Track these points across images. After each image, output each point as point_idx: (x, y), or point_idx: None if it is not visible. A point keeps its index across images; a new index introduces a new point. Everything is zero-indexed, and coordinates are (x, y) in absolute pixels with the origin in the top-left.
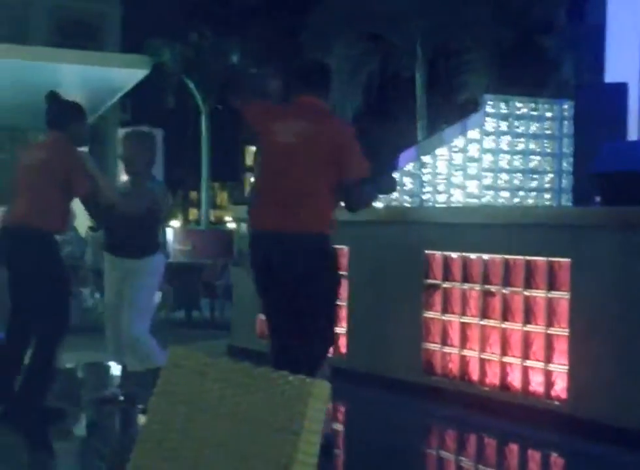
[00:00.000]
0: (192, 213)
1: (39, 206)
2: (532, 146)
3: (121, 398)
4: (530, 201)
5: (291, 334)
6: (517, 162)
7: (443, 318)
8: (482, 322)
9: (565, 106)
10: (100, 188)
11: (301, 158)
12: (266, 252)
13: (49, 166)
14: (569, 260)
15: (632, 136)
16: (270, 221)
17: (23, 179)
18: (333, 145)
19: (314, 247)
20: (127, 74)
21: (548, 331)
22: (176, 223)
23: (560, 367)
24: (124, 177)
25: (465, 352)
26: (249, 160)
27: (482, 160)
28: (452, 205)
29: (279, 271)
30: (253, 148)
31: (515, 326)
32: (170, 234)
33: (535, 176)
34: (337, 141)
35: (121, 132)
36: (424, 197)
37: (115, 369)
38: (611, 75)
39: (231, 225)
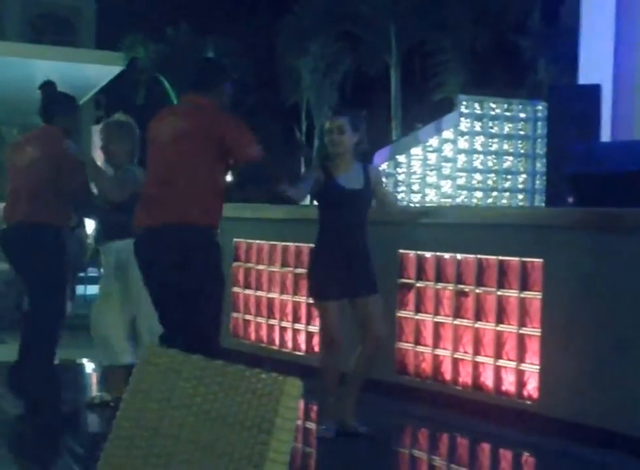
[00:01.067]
0: None
1: (39, 203)
2: (506, 147)
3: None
4: (504, 201)
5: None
6: (491, 162)
7: (417, 317)
8: (455, 322)
9: (539, 107)
10: (92, 177)
11: (173, 154)
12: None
13: (40, 164)
14: (542, 260)
15: (605, 137)
16: (143, 218)
17: (16, 179)
18: (211, 137)
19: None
20: (101, 70)
21: (521, 331)
22: None
23: (532, 367)
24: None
25: (439, 352)
26: None
27: (456, 160)
28: (427, 204)
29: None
30: None
31: (488, 326)
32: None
33: (508, 177)
34: (215, 133)
35: (96, 128)
36: (398, 196)
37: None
38: (585, 77)
39: None
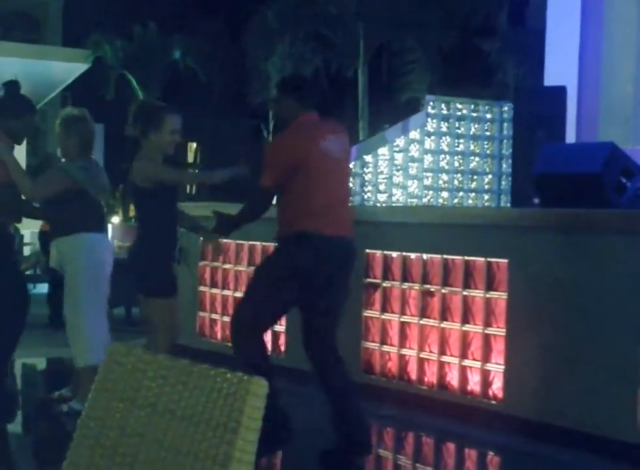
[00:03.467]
0: (132, 209)
1: None
2: (472, 147)
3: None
4: (470, 202)
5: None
6: (457, 162)
7: (383, 317)
8: (421, 322)
9: (505, 108)
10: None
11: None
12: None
13: None
14: (507, 260)
15: (570, 138)
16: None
17: None
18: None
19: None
20: (68, 67)
21: (486, 331)
22: (115, 219)
23: (497, 367)
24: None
25: (404, 351)
26: (190, 157)
27: (423, 161)
28: (393, 204)
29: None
30: (193, 144)
31: (453, 326)
32: (109, 230)
33: (474, 177)
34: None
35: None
36: (365, 196)
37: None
38: (550, 78)
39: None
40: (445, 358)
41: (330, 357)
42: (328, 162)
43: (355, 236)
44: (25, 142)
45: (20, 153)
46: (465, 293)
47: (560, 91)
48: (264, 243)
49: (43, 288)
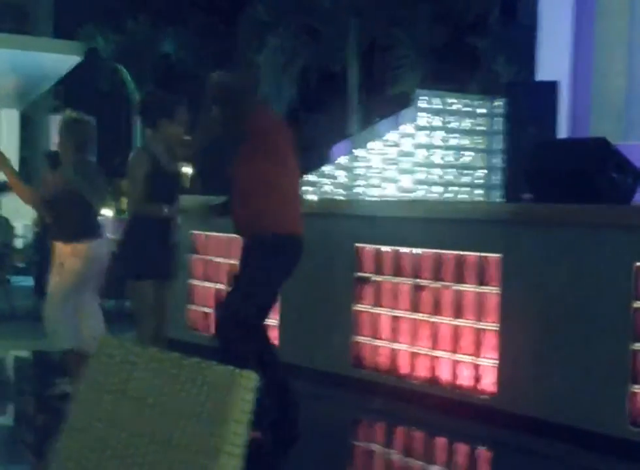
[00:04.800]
0: (124, 202)
1: None
2: (464, 142)
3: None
4: (462, 196)
5: None
6: (449, 157)
7: (374, 311)
8: (412, 316)
9: (497, 103)
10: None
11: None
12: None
13: None
14: (499, 255)
15: (562, 133)
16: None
17: None
18: None
19: None
20: (60, 60)
21: (478, 326)
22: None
23: (489, 362)
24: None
25: (396, 346)
26: None
27: (415, 155)
28: (385, 199)
29: None
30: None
31: (445, 320)
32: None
33: (467, 172)
34: None
35: (53, 118)
36: (356, 190)
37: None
38: (542, 73)
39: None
40: (436, 353)
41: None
42: None
43: (346, 230)
44: (18, 133)
45: (12, 145)
46: (457, 287)
47: (552, 86)
48: None
49: (28, 280)
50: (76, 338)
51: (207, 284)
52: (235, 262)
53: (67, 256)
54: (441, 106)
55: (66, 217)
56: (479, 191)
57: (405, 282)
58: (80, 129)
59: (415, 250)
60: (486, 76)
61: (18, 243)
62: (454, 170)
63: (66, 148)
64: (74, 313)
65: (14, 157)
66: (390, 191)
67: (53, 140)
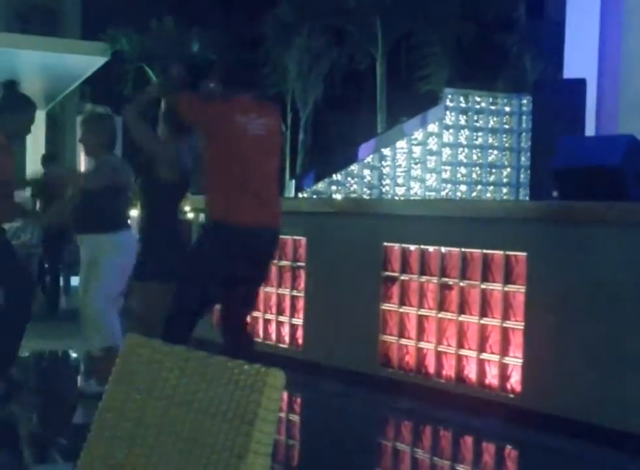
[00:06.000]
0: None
1: None
2: (491, 140)
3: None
4: (488, 195)
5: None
6: (475, 156)
7: (400, 310)
8: (439, 315)
9: (524, 101)
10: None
11: (269, 151)
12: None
13: None
14: (526, 254)
15: (589, 131)
16: (254, 215)
17: None
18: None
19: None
20: (86, 61)
21: (504, 325)
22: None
23: (515, 360)
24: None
25: (422, 345)
26: None
27: (441, 154)
28: (411, 197)
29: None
30: None
31: (471, 319)
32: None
33: (493, 170)
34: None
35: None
36: (383, 189)
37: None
38: (570, 71)
39: (189, 215)
40: (463, 352)
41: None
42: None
43: (373, 229)
44: (44, 133)
45: (38, 145)
46: (483, 286)
47: (580, 84)
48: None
49: None
50: (117, 336)
51: None
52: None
53: (103, 248)
54: (468, 105)
55: (103, 208)
56: (506, 190)
57: (432, 281)
58: (106, 125)
59: (442, 249)
60: (513, 73)
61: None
62: (481, 168)
63: (93, 144)
64: (114, 309)
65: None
66: (416, 190)
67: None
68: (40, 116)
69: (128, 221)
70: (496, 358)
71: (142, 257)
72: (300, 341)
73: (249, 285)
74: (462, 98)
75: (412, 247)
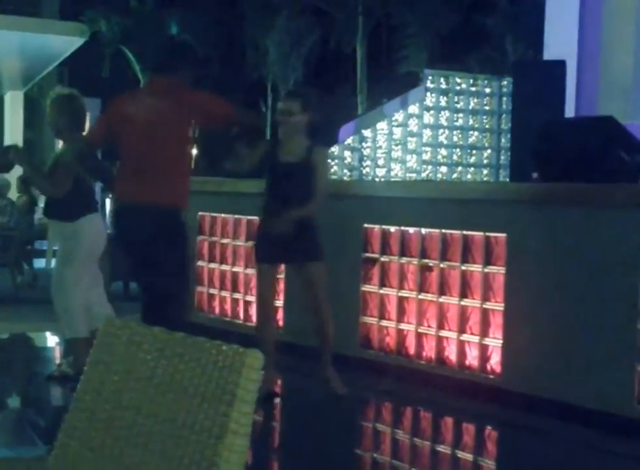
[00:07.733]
0: None
1: None
2: (471, 122)
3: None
4: (468, 176)
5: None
6: (456, 137)
7: (381, 292)
8: (419, 296)
9: (504, 83)
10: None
11: (155, 134)
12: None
13: None
14: (505, 235)
15: (569, 113)
16: (130, 193)
17: None
18: (187, 114)
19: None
20: (65, 41)
21: (484, 306)
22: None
23: (495, 342)
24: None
25: (402, 326)
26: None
27: (422, 135)
28: (392, 179)
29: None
30: None
31: (452, 301)
32: (107, 205)
33: (473, 152)
34: (190, 106)
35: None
36: (363, 171)
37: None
38: (550, 53)
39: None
40: (443, 333)
41: None
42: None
43: (353, 210)
44: (22, 116)
45: (17, 126)
46: (463, 267)
47: (560, 65)
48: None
49: None
50: (89, 327)
51: (213, 265)
52: (241, 243)
53: (71, 234)
54: (448, 86)
55: (66, 197)
56: (486, 171)
57: (412, 263)
58: (73, 105)
59: (422, 231)
60: (494, 55)
61: None
62: (461, 150)
63: (60, 124)
64: (84, 300)
65: (18, 139)
66: (397, 171)
67: None
68: (19, 97)
69: (92, 205)
70: (476, 339)
71: None
72: (281, 322)
73: (148, 266)
74: (442, 80)
75: (392, 229)
